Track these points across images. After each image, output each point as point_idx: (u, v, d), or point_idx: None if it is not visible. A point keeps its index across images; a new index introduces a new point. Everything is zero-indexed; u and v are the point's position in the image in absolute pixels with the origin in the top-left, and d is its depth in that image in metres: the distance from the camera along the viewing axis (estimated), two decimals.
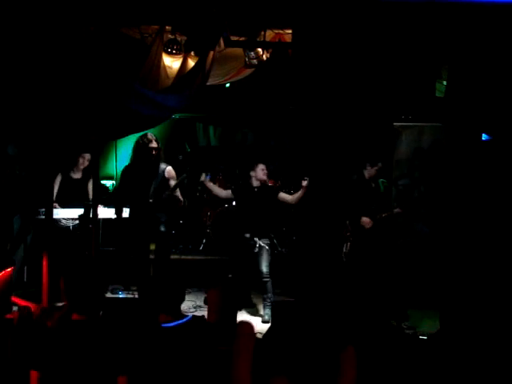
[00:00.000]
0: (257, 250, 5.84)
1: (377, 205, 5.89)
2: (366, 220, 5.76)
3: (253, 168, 6.07)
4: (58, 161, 5.95)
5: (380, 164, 5.85)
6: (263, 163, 6.07)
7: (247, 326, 2.73)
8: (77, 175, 6.41)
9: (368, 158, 5.90)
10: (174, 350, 2.74)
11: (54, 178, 6.14)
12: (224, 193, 6.26)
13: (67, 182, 6.32)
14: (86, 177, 6.44)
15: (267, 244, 5.91)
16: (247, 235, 5.92)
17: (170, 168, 5.77)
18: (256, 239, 5.88)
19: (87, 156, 6.37)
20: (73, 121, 4.02)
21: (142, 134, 5.63)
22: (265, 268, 5.76)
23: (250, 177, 6.11)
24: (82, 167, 6.41)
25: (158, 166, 5.68)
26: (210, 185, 6.24)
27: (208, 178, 6.14)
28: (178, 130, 9.38)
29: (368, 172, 5.87)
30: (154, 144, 5.63)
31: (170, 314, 2.97)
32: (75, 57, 3.45)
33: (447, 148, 6.24)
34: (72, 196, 6.29)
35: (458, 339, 2.88)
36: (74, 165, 6.38)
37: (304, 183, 5.79)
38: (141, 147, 5.64)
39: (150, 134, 5.66)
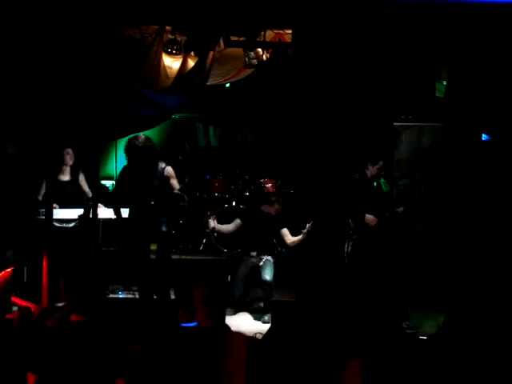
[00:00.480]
0: (262, 263, 6.03)
1: (380, 204, 5.88)
2: (370, 218, 5.74)
3: (269, 203, 6.24)
4: (44, 164, 5.90)
5: (381, 162, 5.84)
6: (279, 203, 6.25)
7: (239, 337, 2.72)
8: (65, 177, 6.36)
9: (369, 157, 5.89)
10: (189, 350, 2.69)
11: (52, 178, 6.09)
12: (232, 226, 6.33)
13: (56, 185, 6.23)
14: (75, 177, 6.42)
15: (272, 257, 6.12)
16: (253, 253, 6.07)
17: (169, 167, 5.72)
18: (261, 256, 6.07)
19: (70, 151, 6.31)
20: (73, 121, 4.02)
21: (132, 135, 5.49)
22: (269, 277, 5.93)
23: (262, 203, 6.30)
24: (70, 163, 6.33)
25: (155, 166, 5.64)
26: (219, 227, 6.38)
27: (214, 221, 6.32)
28: (177, 129, 9.38)
29: (370, 171, 5.87)
30: (145, 144, 5.46)
31: (191, 314, 2.94)
32: (75, 57, 3.45)
33: (448, 148, 6.25)
34: (63, 199, 6.25)
35: (459, 339, 2.87)
36: (60, 165, 6.31)
37: (306, 228, 5.88)
38: (132, 149, 5.56)
39: (143, 135, 5.49)
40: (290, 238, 6.13)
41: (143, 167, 5.57)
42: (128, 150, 5.51)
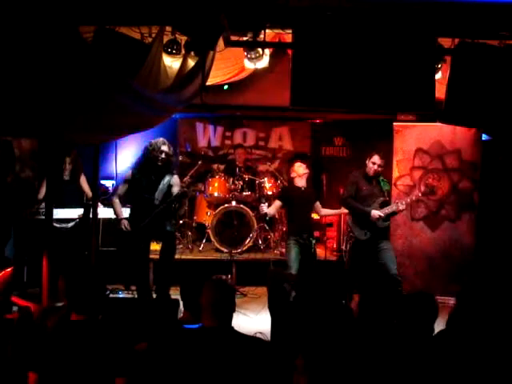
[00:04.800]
0: (313, 250, 6.05)
1: (377, 201, 5.85)
2: (375, 213, 5.72)
3: (291, 169, 6.23)
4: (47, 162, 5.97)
5: (376, 156, 5.80)
6: (298, 160, 6.24)
7: None
8: (66, 177, 6.42)
9: (367, 155, 5.88)
10: (192, 351, 2.68)
11: (53, 178, 6.11)
12: (273, 210, 6.29)
13: (57, 184, 6.28)
14: (74, 177, 6.46)
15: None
16: (305, 235, 6.02)
17: (176, 176, 5.98)
18: (311, 239, 6.07)
19: (67, 160, 6.41)
20: (73, 121, 4.02)
21: (154, 140, 5.88)
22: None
23: (292, 178, 6.24)
24: (69, 167, 6.43)
25: (167, 171, 5.85)
26: (269, 211, 6.23)
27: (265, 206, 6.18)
28: (177, 129, 9.39)
29: (368, 169, 5.84)
30: (165, 149, 5.81)
31: (194, 315, 2.92)
32: (75, 57, 3.44)
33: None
34: (63, 199, 6.27)
35: (462, 338, 2.87)
36: (62, 165, 6.40)
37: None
38: (151, 152, 5.77)
39: (163, 140, 5.87)
40: (323, 211, 6.32)
41: (155, 171, 5.71)
42: (146, 153, 5.81)
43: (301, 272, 5.67)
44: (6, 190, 6.19)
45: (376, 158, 5.81)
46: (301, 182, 6.14)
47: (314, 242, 6.12)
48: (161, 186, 5.81)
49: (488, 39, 4.90)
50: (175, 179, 5.95)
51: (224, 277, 2.90)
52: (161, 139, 5.89)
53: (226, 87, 7.70)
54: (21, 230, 6.26)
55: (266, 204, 6.25)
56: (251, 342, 2.80)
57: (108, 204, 6.72)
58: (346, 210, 6.19)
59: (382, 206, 5.82)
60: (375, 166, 5.81)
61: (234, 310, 2.83)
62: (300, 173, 6.13)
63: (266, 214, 6.20)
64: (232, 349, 2.66)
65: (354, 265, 5.91)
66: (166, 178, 5.85)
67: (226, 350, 2.65)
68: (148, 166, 5.81)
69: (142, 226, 5.69)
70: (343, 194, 6.03)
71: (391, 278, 5.63)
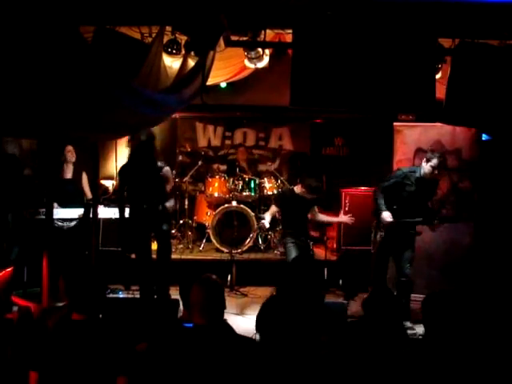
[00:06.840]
0: (312, 252, 6.12)
1: (421, 204, 5.68)
2: (385, 217, 5.57)
3: (301, 181, 6.13)
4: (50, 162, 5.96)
5: (435, 160, 5.45)
6: (314, 179, 6.11)
7: None
8: (67, 175, 6.41)
9: (427, 156, 5.60)
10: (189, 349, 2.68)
11: (53, 177, 6.11)
12: (270, 217, 6.23)
13: (60, 182, 6.28)
14: (78, 177, 6.45)
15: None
16: (303, 238, 6.02)
17: (167, 169, 5.85)
18: (308, 241, 6.10)
19: (70, 148, 6.38)
20: (73, 120, 4.02)
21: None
22: None
23: (294, 186, 6.21)
24: (72, 160, 6.38)
25: (154, 164, 5.71)
26: (266, 224, 6.19)
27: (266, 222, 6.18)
28: (178, 129, 9.40)
29: (423, 169, 5.56)
30: (143, 140, 5.67)
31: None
32: (75, 57, 3.43)
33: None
34: (63, 198, 6.26)
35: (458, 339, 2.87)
36: (62, 163, 6.37)
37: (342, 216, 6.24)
38: (134, 145, 5.78)
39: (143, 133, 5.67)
40: (319, 216, 6.23)
41: (143, 165, 5.65)
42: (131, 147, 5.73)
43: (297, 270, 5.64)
44: (6, 189, 6.19)
45: (435, 162, 5.47)
46: (298, 191, 6.09)
47: (311, 243, 6.15)
48: (150, 184, 5.75)
49: (488, 39, 4.90)
50: (166, 172, 5.85)
51: (214, 276, 2.88)
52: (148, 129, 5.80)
53: (223, 85, 7.67)
54: (21, 229, 6.26)
55: (267, 220, 6.16)
56: (241, 340, 2.79)
57: (108, 204, 6.72)
58: (343, 220, 6.31)
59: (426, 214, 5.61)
60: (435, 171, 5.52)
61: (223, 308, 2.82)
62: (305, 190, 6.00)
63: (267, 228, 6.31)
64: (221, 346, 2.67)
65: (379, 260, 5.78)
66: (155, 175, 5.78)
67: (216, 348, 2.66)
68: (136, 164, 5.75)
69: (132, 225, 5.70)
70: (380, 184, 5.75)
71: (403, 275, 5.61)
